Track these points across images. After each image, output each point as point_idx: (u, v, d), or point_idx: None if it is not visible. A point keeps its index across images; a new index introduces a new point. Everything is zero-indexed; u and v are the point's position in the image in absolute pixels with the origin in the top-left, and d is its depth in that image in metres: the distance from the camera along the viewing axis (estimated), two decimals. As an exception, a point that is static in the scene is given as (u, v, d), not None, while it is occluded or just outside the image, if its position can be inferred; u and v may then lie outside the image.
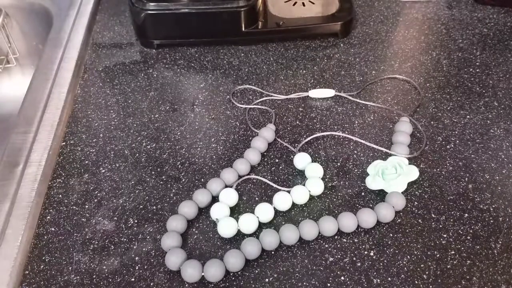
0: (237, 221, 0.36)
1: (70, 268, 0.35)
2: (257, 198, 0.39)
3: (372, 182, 0.39)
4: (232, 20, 0.52)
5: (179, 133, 0.45)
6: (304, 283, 0.33)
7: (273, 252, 0.35)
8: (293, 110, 0.47)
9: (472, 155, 0.42)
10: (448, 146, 0.43)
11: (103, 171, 0.41)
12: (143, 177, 0.41)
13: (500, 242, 0.35)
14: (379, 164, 0.40)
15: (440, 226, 0.37)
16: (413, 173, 0.39)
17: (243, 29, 0.53)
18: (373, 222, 0.36)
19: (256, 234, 0.36)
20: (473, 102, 0.47)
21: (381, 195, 0.39)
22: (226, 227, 0.36)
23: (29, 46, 0.66)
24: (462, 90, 0.49)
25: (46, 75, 0.50)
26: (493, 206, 0.38)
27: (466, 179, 0.40)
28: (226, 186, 0.39)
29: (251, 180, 0.40)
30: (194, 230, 0.37)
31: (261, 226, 0.37)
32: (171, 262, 0.34)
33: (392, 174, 0.38)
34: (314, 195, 0.39)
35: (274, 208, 0.37)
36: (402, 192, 0.38)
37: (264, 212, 0.37)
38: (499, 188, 0.39)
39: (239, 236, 0.36)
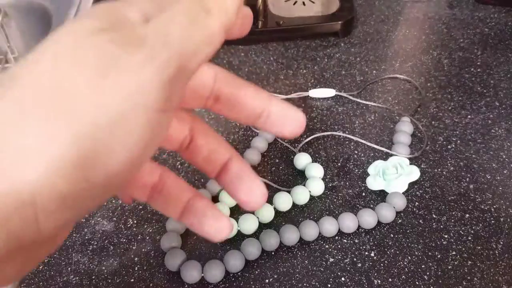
0: (237, 221, 0.36)
1: (69, 268, 0.35)
2: (257, 199, 0.39)
3: (373, 183, 0.39)
4: (232, 20, 0.52)
5: (178, 133, 0.45)
6: (305, 284, 0.33)
7: (273, 253, 0.35)
8: (293, 110, 0.47)
9: (473, 155, 0.42)
10: (449, 146, 0.43)
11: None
12: (142, 177, 0.41)
13: (501, 243, 0.35)
14: (379, 164, 0.39)
15: (441, 226, 0.36)
16: (414, 173, 0.39)
17: (243, 28, 0.53)
18: (374, 222, 0.36)
19: (256, 235, 0.36)
20: (474, 102, 0.47)
21: (381, 195, 0.39)
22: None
23: (28, 45, 0.66)
24: (463, 90, 0.48)
25: (45, 75, 0.50)
26: (494, 206, 0.38)
27: (467, 179, 0.40)
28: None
29: (251, 180, 0.40)
30: (193, 230, 0.37)
31: (261, 226, 0.37)
32: (170, 262, 0.33)
33: (393, 174, 0.38)
34: (314, 195, 0.39)
35: (274, 208, 0.37)
36: (403, 193, 0.38)
37: (264, 212, 0.36)
38: (500, 188, 0.39)
39: (239, 237, 0.36)
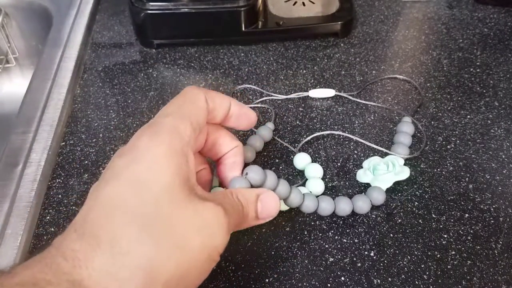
0: None
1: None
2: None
3: (362, 175, 0.40)
4: (232, 20, 0.52)
5: (179, 133, 0.45)
6: (304, 283, 0.33)
7: (273, 252, 0.35)
8: (293, 110, 0.47)
9: (473, 155, 0.42)
10: (448, 146, 0.43)
11: (103, 171, 0.41)
12: (142, 177, 0.41)
13: (501, 242, 0.35)
14: (374, 160, 0.40)
15: (441, 226, 0.37)
16: (404, 173, 0.39)
17: (243, 29, 0.53)
18: (349, 210, 0.36)
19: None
20: (474, 102, 0.47)
21: (381, 195, 0.39)
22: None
23: (28, 46, 0.66)
24: (462, 90, 0.49)
25: (45, 75, 0.50)
26: (494, 206, 0.38)
27: (467, 179, 0.40)
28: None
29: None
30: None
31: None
32: None
33: (382, 170, 0.38)
34: (314, 195, 0.39)
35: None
36: (387, 190, 0.38)
37: None
38: (500, 188, 0.39)
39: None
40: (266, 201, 0.29)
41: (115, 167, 0.25)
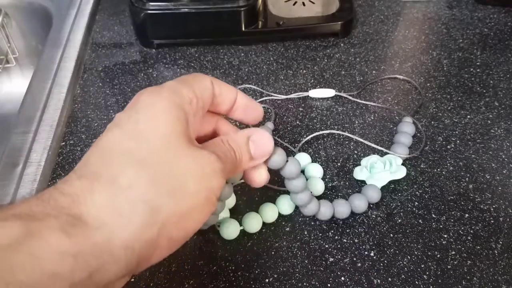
0: (240, 221, 0.36)
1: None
2: (257, 198, 0.39)
3: (359, 172, 0.40)
4: (232, 20, 0.52)
5: (179, 133, 0.45)
6: (304, 284, 0.33)
7: (273, 252, 0.35)
8: (293, 110, 0.47)
9: (473, 155, 0.42)
10: (448, 146, 0.43)
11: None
12: (143, 177, 0.41)
13: (501, 243, 0.35)
14: (372, 158, 0.40)
15: (441, 226, 0.37)
16: (400, 173, 0.39)
17: (243, 29, 0.53)
18: (347, 212, 0.36)
19: (257, 234, 0.36)
20: (474, 102, 0.47)
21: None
22: (229, 230, 0.36)
23: (28, 46, 0.66)
24: (462, 90, 0.49)
25: (45, 75, 0.50)
26: (494, 206, 0.38)
27: (467, 179, 0.40)
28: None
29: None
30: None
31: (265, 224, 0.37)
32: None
33: (378, 168, 0.38)
34: (315, 195, 0.39)
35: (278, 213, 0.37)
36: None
37: (269, 212, 0.37)
38: (500, 188, 0.39)
39: (243, 236, 0.36)
40: (258, 140, 0.29)
41: (117, 120, 0.25)
